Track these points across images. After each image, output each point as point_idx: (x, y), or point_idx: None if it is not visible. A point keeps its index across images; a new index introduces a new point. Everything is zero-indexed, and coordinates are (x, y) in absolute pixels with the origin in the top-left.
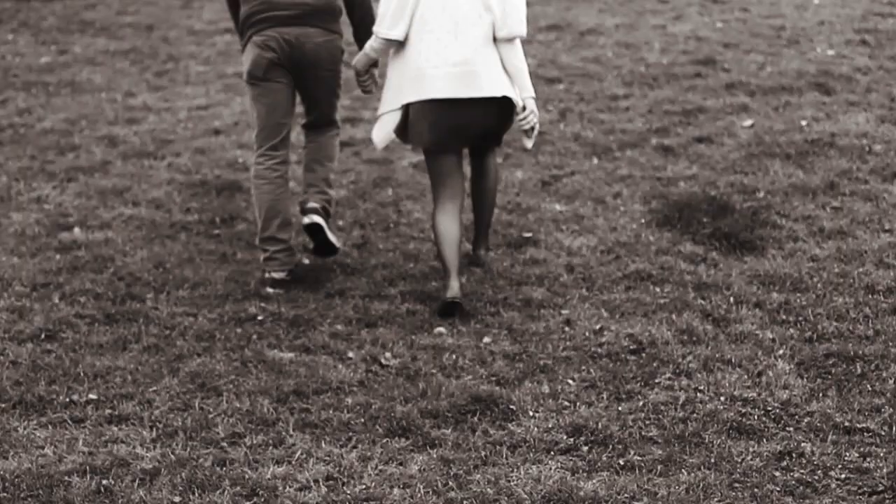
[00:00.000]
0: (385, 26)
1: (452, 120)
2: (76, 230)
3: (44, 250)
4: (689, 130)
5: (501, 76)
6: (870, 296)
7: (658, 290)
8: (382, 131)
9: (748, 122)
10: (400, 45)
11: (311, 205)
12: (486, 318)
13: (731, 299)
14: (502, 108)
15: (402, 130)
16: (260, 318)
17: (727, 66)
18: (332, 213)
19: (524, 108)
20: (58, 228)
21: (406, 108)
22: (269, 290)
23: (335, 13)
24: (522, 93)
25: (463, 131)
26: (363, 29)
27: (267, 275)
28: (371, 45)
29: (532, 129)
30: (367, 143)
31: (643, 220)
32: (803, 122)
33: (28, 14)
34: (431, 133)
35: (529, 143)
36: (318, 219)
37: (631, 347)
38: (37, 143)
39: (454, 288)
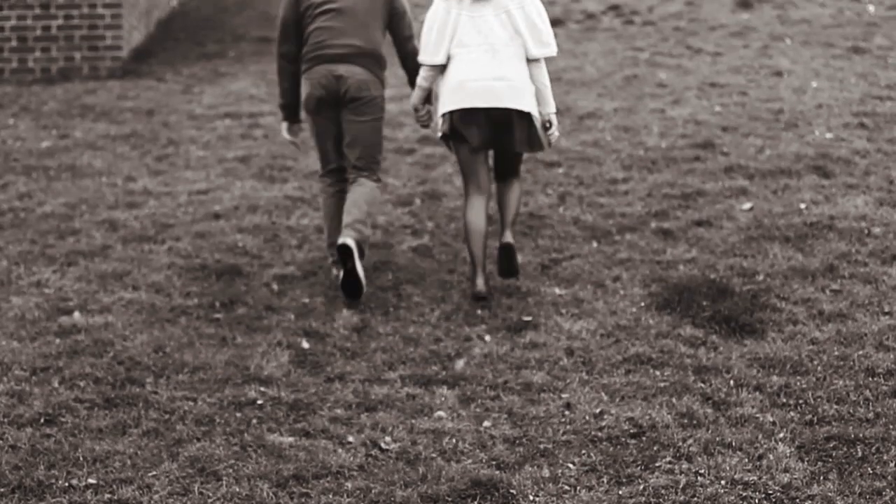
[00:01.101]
0: (428, 54)
1: (489, 125)
2: (76, 314)
3: (43, 334)
4: (689, 214)
5: (531, 94)
6: (870, 378)
7: (658, 373)
8: (438, 129)
9: (747, 206)
10: (444, 67)
11: (344, 239)
12: (486, 401)
13: (732, 382)
14: (528, 121)
15: (449, 133)
16: (260, 402)
17: (726, 150)
18: (365, 253)
19: (549, 125)
20: (58, 312)
21: (451, 116)
22: (342, 294)
23: (379, 60)
24: (546, 108)
25: (495, 136)
26: (411, 60)
27: (334, 272)
28: (421, 76)
29: (550, 142)
30: None
31: (643, 304)
32: (802, 205)
33: (29, 99)
34: (473, 136)
35: (546, 147)
36: (350, 241)
37: (631, 431)
38: (37, 227)
39: (480, 284)
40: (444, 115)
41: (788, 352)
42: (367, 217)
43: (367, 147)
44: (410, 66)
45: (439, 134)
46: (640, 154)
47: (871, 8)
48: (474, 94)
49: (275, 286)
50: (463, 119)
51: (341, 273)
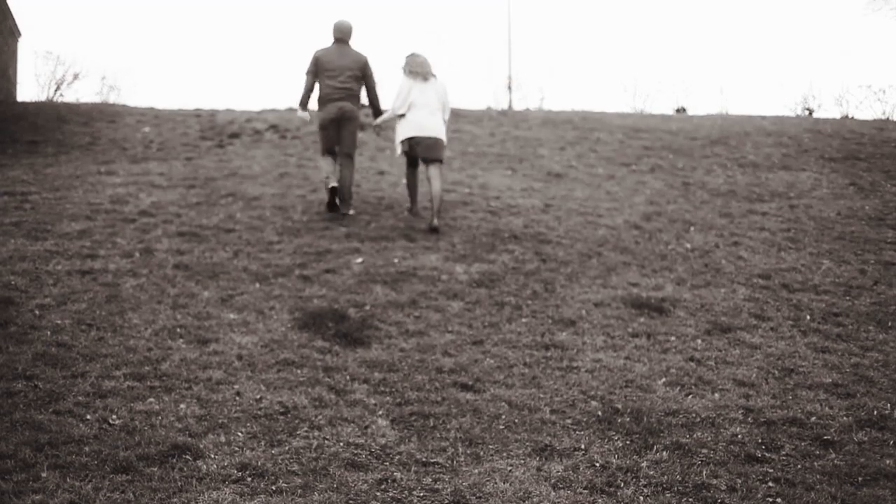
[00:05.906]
0: (397, 107)
1: (424, 144)
2: None
3: None
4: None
5: (443, 129)
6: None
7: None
8: (398, 150)
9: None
10: (402, 115)
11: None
12: None
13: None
14: (440, 143)
15: (405, 151)
16: None
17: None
18: (349, 201)
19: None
20: None
21: (407, 142)
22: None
23: (359, 97)
24: (445, 137)
25: (425, 151)
26: (375, 107)
27: (327, 187)
28: (387, 114)
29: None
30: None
31: None
32: (395, 260)
33: None
34: (416, 150)
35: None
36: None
37: None
38: None
39: (416, 210)
40: (403, 141)
41: None
42: (351, 185)
43: (351, 144)
44: (375, 111)
45: (398, 152)
46: None
47: None
48: (418, 129)
49: None
50: (413, 142)
51: (330, 194)
